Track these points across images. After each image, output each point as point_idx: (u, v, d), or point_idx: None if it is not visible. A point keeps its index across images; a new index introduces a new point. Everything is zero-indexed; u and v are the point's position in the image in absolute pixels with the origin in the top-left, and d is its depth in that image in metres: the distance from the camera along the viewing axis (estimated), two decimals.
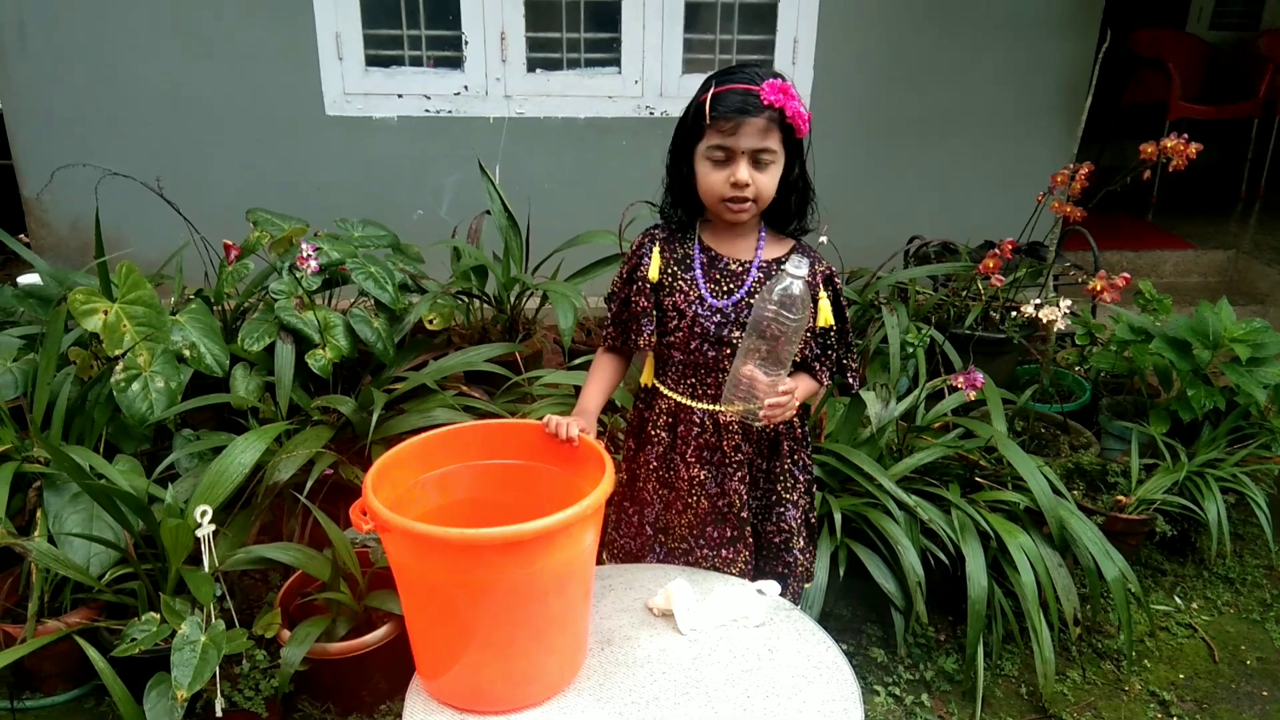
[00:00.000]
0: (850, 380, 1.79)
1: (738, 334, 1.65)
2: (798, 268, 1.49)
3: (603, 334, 1.81)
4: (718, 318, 1.65)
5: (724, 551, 1.79)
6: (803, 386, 1.71)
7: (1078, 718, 2.26)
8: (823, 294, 1.70)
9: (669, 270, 1.69)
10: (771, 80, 1.54)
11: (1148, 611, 2.56)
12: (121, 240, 3.29)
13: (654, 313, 1.70)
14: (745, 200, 1.59)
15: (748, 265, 1.67)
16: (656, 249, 1.70)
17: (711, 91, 1.56)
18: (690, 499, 1.77)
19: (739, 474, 1.74)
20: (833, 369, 1.75)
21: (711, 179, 1.59)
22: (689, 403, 1.72)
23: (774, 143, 1.56)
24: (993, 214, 3.68)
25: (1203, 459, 2.80)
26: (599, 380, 1.80)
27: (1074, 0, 4.11)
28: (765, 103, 1.52)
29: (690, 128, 1.61)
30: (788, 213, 1.67)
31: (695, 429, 1.72)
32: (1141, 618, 2.54)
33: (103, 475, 2.11)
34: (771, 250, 1.69)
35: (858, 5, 3.98)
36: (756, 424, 1.66)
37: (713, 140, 1.57)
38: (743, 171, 1.56)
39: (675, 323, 1.68)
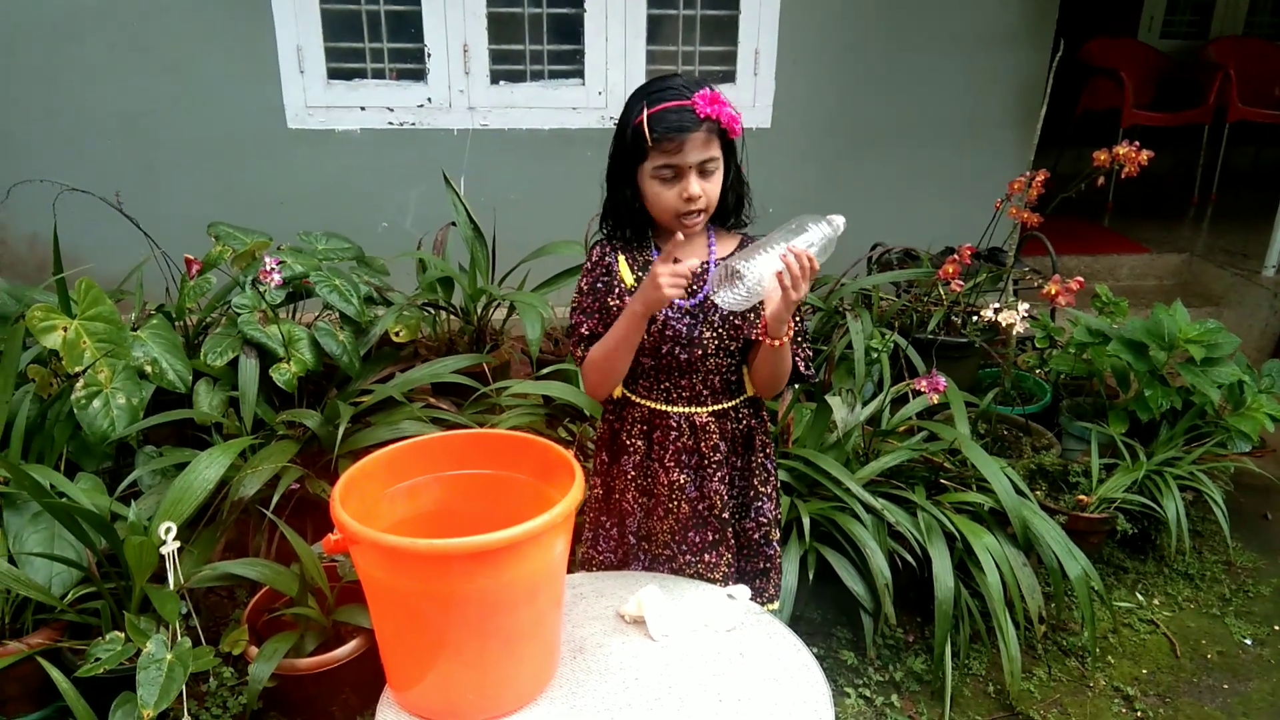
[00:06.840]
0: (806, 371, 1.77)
1: (708, 334, 1.68)
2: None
3: (577, 354, 1.74)
4: (687, 319, 1.68)
5: (707, 556, 1.80)
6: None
7: (1044, 715, 2.29)
8: None
9: (637, 277, 1.70)
10: (701, 92, 1.56)
11: (1110, 608, 2.61)
12: (80, 257, 3.24)
13: None
14: (698, 212, 1.62)
15: (705, 264, 1.70)
16: (621, 257, 1.71)
17: (646, 113, 1.57)
18: (671, 504, 1.78)
19: (719, 474, 1.76)
20: (808, 359, 1.76)
21: (664, 197, 1.61)
22: (664, 408, 1.73)
23: (715, 150, 1.60)
24: (953, 221, 3.74)
25: (1161, 458, 2.85)
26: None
27: (1028, 12, 4.20)
28: (701, 116, 1.55)
29: (631, 150, 1.61)
30: (727, 210, 1.70)
31: (673, 433, 1.74)
32: (1104, 615, 2.58)
33: (64, 494, 2.08)
34: (723, 248, 1.72)
35: (818, 18, 4.03)
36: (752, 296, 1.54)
37: (658, 160, 1.58)
38: (694, 185, 1.59)
39: (646, 328, 1.69)
